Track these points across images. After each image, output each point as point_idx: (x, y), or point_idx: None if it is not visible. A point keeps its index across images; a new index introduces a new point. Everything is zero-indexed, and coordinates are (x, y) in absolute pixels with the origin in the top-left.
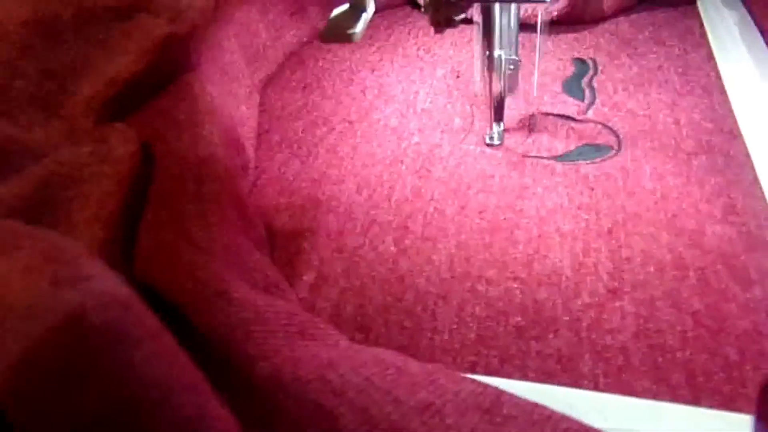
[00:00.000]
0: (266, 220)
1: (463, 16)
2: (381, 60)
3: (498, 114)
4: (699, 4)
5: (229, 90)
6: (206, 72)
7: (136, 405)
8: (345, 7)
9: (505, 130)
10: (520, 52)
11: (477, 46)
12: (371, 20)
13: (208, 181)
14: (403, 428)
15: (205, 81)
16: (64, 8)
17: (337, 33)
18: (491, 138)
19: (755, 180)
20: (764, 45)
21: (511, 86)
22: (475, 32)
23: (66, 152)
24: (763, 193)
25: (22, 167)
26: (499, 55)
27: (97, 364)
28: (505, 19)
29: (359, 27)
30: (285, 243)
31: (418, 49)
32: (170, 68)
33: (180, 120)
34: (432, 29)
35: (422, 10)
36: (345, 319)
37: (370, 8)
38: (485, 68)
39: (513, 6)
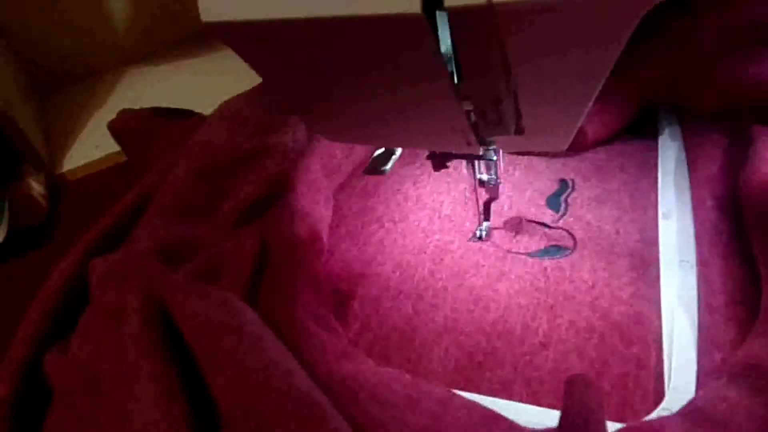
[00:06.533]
0: (331, 287)
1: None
2: (421, 174)
3: (486, 216)
4: (659, 140)
5: (313, 198)
6: (299, 189)
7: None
8: (382, 150)
9: (494, 229)
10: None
11: (464, 171)
12: (399, 158)
13: (297, 261)
14: None
15: (299, 196)
16: (219, 157)
17: (374, 169)
18: (480, 232)
19: (657, 277)
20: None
21: (493, 196)
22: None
23: (217, 247)
24: (659, 285)
25: (191, 258)
26: (480, 178)
27: None
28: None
29: (389, 165)
30: (343, 301)
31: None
32: (278, 192)
33: (281, 226)
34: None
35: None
36: (374, 352)
37: (398, 151)
38: (475, 185)
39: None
